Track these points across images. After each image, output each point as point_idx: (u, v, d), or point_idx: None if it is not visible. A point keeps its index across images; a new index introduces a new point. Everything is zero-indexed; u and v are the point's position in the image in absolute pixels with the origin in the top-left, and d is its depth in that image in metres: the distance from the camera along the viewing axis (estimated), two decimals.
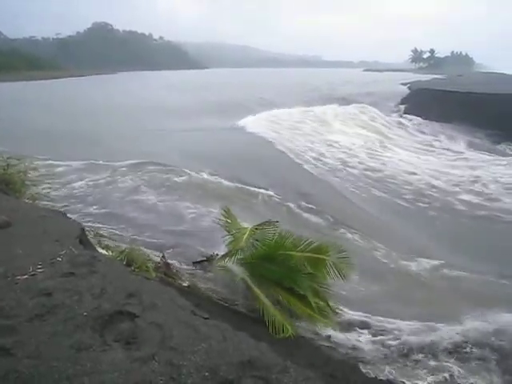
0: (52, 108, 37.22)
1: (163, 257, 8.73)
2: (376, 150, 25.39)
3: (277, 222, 8.65)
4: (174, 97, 49.48)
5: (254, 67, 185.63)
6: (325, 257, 7.67)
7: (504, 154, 25.60)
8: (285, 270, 7.46)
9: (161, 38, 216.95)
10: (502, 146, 27.35)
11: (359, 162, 22.30)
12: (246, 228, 8.40)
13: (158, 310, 3.54)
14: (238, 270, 8.05)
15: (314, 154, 23.43)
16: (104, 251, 7.81)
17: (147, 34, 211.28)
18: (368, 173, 20.42)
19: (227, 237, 8.60)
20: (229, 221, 8.80)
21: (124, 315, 3.45)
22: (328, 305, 7.75)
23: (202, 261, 9.17)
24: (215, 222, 9.45)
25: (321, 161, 22.33)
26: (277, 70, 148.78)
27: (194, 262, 9.19)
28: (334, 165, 21.79)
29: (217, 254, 9.04)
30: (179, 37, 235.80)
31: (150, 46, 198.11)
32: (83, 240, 5.74)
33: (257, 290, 7.41)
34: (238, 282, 8.01)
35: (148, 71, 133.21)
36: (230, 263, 8.03)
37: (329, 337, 7.53)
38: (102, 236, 9.88)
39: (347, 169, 21.21)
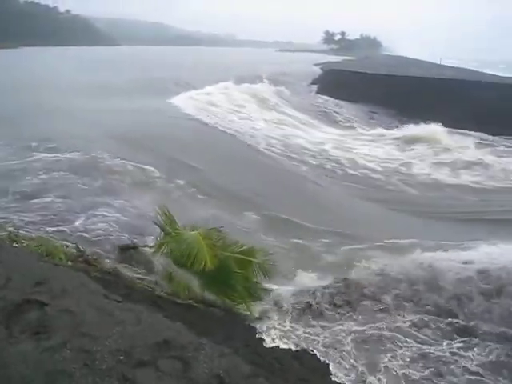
0: None
1: (78, 246, 8.39)
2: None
3: (222, 227, 8.63)
4: (88, 76, 46.13)
5: (169, 45, 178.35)
6: (253, 259, 8.04)
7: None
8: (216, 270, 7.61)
9: (67, 11, 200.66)
10: (402, 124, 29.01)
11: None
12: (189, 232, 8.16)
13: (68, 297, 3.44)
14: (167, 261, 8.01)
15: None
16: (12, 242, 7.38)
17: (51, 6, 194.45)
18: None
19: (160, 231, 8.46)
20: (165, 219, 8.52)
21: (32, 304, 3.31)
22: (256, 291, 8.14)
23: (128, 248, 8.96)
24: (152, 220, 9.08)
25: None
26: (191, 49, 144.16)
27: (120, 248, 8.97)
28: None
29: (146, 245, 8.91)
30: (88, 12, 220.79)
31: (55, 19, 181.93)
32: None
33: (186, 278, 7.52)
34: (167, 271, 7.97)
35: (55, 47, 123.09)
36: (159, 254, 8.01)
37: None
38: (9, 226, 9.28)
39: None
